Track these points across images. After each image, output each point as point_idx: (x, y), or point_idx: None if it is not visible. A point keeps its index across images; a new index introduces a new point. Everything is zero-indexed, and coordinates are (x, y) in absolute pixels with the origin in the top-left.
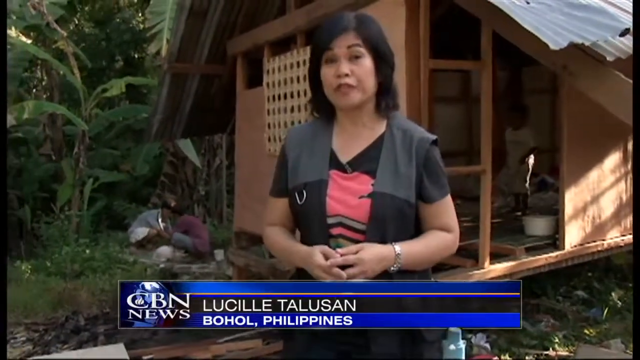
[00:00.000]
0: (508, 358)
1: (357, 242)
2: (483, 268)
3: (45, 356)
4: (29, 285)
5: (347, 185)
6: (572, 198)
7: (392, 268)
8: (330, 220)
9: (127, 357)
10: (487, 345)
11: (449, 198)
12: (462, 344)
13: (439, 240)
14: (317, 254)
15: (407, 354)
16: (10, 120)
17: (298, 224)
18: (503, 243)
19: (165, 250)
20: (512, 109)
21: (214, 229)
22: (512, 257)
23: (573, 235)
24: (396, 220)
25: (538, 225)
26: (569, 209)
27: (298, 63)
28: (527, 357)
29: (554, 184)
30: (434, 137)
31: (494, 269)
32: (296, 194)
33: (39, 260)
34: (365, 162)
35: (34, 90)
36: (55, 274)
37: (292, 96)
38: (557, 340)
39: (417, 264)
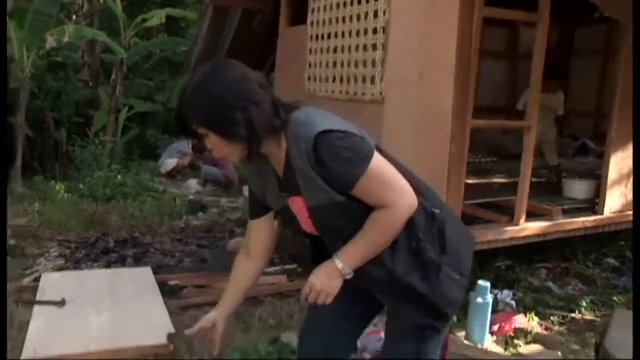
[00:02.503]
0: (533, 317)
1: None
2: (517, 225)
3: (76, 271)
4: (62, 205)
5: (297, 210)
6: (618, 163)
7: (346, 274)
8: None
9: (154, 280)
10: (513, 303)
11: (367, 174)
12: (489, 298)
13: (374, 223)
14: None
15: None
16: (51, 42)
17: None
18: (540, 203)
19: (194, 182)
20: (552, 71)
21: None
22: (548, 217)
23: (614, 201)
24: (339, 220)
25: (577, 188)
26: (613, 173)
27: (345, 3)
28: (552, 318)
29: (595, 149)
30: (318, 130)
31: (529, 227)
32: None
33: (73, 182)
34: (290, 183)
35: (74, 16)
36: (87, 196)
37: (336, 36)
38: (584, 304)
39: (365, 257)
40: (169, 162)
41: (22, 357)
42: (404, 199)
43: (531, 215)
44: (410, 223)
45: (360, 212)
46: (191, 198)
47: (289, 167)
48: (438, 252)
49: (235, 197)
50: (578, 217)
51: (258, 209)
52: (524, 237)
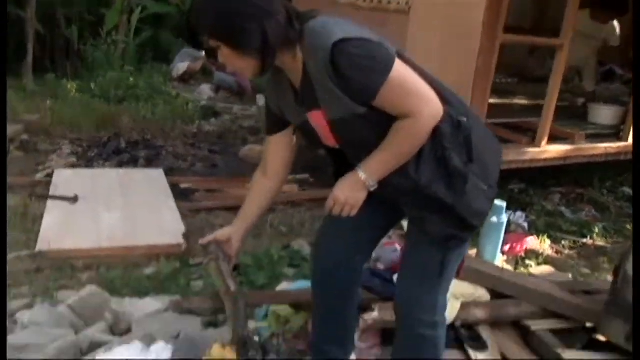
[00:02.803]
0: (545, 239)
1: None
2: (539, 147)
3: (89, 169)
4: (74, 103)
5: (317, 125)
6: None
7: (370, 186)
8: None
9: (166, 182)
10: (525, 225)
11: (389, 82)
12: (504, 218)
13: (398, 133)
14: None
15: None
16: None
17: None
18: (564, 127)
19: (207, 88)
20: (608, 2)
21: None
22: (571, 141)
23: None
24: (362, 132)
25: (603, 114)
26: None
27: None
28: (563, 242)
29: (622, 75)
30: (335, 39)
31: (550, 150)
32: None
33: (84, 82)
34: (309, 97)
35: None
36: (99, 96)
37: None
38: (596, 230)
39: (389, 168)
40: (181, 66)
41: (36, 249)
42: (429, 107)
43: (554, 139)
44: (435, 132)
45: (383, 123)
46: (204, 104)
47: (306, 79)
48: (464, 161)
49: (248, 105)
50: (601, 142)
51: (275, 124)
52: (544, 160)
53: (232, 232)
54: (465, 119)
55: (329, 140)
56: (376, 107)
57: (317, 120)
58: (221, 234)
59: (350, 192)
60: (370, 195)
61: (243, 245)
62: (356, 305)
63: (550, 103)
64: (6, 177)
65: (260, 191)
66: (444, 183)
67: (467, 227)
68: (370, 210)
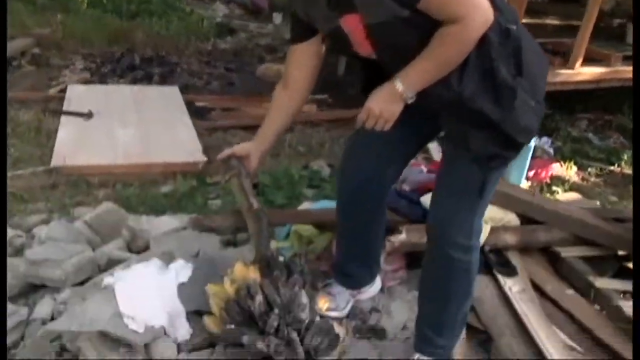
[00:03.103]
0: (571, 166)
1: None
2: (572, 69)
3: (102, 85)
4: (85, 18)
5: (350, 30)
6: None
7: (408, 98)
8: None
9: (181, 99)
10: (551, 150)
11: None
12: (532, 142)
13: (443, 39)
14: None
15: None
16: None
17: None
18: (600, 48)
19: (221, 5)
20: None
21: None
22: (606, 63)
23: None
24: (402, 38)
25: None
26: None
27: None
28: (589, 169)
29: None
30: None
31: (584, 72)
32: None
33: None
34: (341, 1)
35: None
36: (111, 11)
37: None
38: (624, 158)
39: (430, 78)
40: None
41: (52, 165)
42: (479, 12)
43: (587, 61)
44: (482, 40)
45: (427, 28)
46: (219, 21)
47: None
48: (513, 74)
49: (264, 23)
50: None
51: (302, 31)
52: (576, 82)
53: (251, 148)
54: (514, 27)
55: (362, 47)
56: (420, 10)
57: (352, 25)
58: (240, 148)
59: (385, 104)
60: (406, 108)
61: (262, 164)
62: (383, 226)
63: (588, 23)
64: (6, 178)
65: (281, 107)
66: (491, 97)
67: (512, 146)
68: (403, 125)
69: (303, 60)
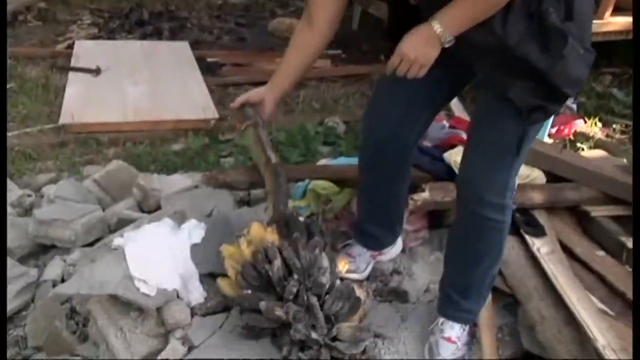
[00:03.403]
0: (596, 122)
1: None
2: (601, 19)
3: (111, 41)
4: None
5: None
6: None
7: (446, 42)
8: None
9: (192, 55)
10: (574, 107)
11: None
12: None
13: None
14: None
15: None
16: None
17: None
18: None
19: None
20: None
21: None
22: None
23: None
24: None
25: None
26: None
27: None
28: (614, 125)
29: None
30: None
31: (613, 22)
32: None
33: None
34: None
35: None
36: None
37: None
38: None
39: (471, 21)
40: None
41: (60, 122)
42: None
43: (617, 10)
44: None
45: None
46: None
47: None
48: (562, 18)
49: None
50: None
51: None
52: (604, 34)
53: (266, 93)
54: None
55: None
56: None
57: None
58: (254, 94)
59: (421, 48)
60: (440, 53)
61: (277, 109)
62: (408, 184)
63: None
64: (6, 177)
65: (303, 46)
66: (537, 44)
67: (558, 98)
68: (434, 74)
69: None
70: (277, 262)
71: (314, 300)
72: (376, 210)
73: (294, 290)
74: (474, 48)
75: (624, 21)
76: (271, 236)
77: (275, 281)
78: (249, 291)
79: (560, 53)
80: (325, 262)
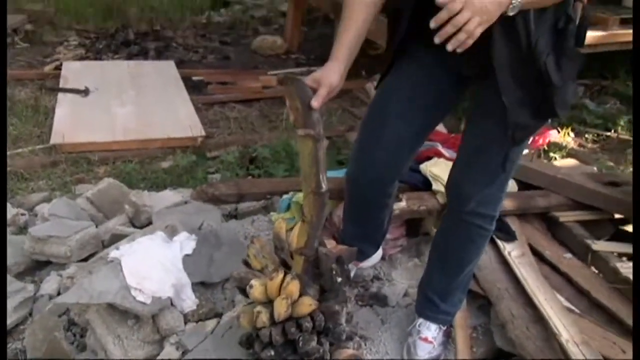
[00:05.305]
0: (569, 132)
1: None
2: None
3: (98, 61)
4: None
5: None
6: None
7: (515, 7)
8: None
9: (178, 74)
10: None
11: None
12: None
13: None
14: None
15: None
16: None
17: None
18: (596, 11)
19: None
20: None
21: None
22: (603, 27)
23: None
24: None
25: None
26: None
27: None
28: (587, 135)
29: None
30: None
31: None
32: None
33: None
34: None
35: None
36: None
37: None
38: (621, 123)
39: (538, 3)
40: None
41: (51, 142)
42: None
43: None
44: None
45: None
46: None
47: None
48: (577, 43)
49: None
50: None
51: None
52: None
53: (328, 69)
54: None
55: None
56: None
57: None
58: (310, 79)
59: (487, 3)
60: (439, 73)
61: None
62: (393, 200)
63: None
64: (6, 177)
65: (362, 6)
66: (555, 60)
67: (547, 117)
68: (434, 90)
69: None
70: (307, 328)
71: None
72: (361, 230)
73: (313, 350)
74: (502, 54)
75: (593, 35)
76: (296, 289)
77: (300, 350)
78: (272, 352)
79: (573, 74)
80: (344, 318)
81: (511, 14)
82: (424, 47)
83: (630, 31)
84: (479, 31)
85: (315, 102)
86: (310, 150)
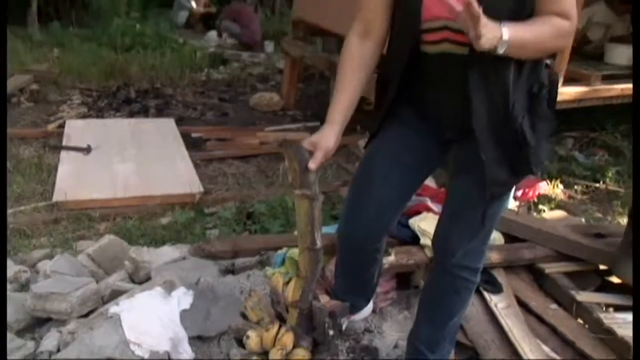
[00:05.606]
0: (558, 184)
1: (464, 46)
2: None
3: (100, 119)
4: (81, 53)
5: None
6: None
7: (502, 43)
8: (431, 25)
9: (177, 131)
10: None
11: None
12: None
13: (551, 26)
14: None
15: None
16: None
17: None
18: (579, 67)
19: (214, 35)
20: None
21: (266, 19)
22: (586, 83)
23: None
24: (508, 13)
25: (620, 53)
26: None
27: None
28: (576, 187)
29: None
30: None
31: (565, 92)
32: None
33: (90, 30)
34: None
35: None
36: (106, 45)
37: None
38: (609, 175)
39: (526, 43)
40: (181, 15)
41: (53, 200)
42: (575, 21)
43: (569, 81)
44: (535, 64)
45: (526, 13)
46: (212, 51)
47: None
48: (550, 105)
49: (256, 52)
50: (617, 84)
51: None
52: (558, 102)
53: (326, 130)
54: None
55: (439, 8)
56: None
57: None
58: (307, 143)
59: (489, 27)
60: (422, 140)
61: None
62: (382, 255)
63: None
64: (6, 180)
65: (362, 58)
66: (530, 122)
67: (523, 175)
68: (419, 155)
69: (378, 3)
70: None
71: None
72: (352, 285)
73: None
74: (482, 118)
75: (575, 91)
76: (289, 341)
77: None
78: None
79: (546, 134)
80: None
81: (500, 51)
82: (410, 112)
83: (613, 87)
84: (475, 42)
85: (312, 165)
86: (306, 209)
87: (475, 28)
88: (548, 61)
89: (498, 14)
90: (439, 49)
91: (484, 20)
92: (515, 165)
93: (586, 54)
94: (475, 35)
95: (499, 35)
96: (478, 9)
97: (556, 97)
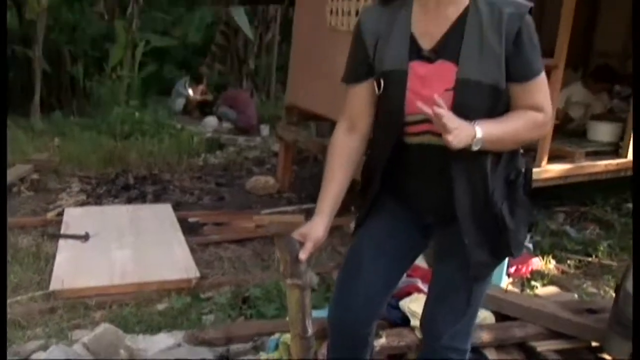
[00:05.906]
0: (550, 260)
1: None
2: (539, 167)
3: (98, 207)
4: (81, 141)
5: (430, 77)
6: None
7: (476, 142)
8: (413, 118)
9: (174, 217)
10: (530, 246)
11: (542, 76)
12: None
13: (526, 120)
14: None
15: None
16: None
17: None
18: (563, 145)
19: (211, 120)
20: (601, 74)
21: (261, 103)
22: (570, 160)
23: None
24: (483, 109)
25: (601, 130)
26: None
27: None
28: (568, 261)
29: (620, 92)
30: (528, 5)
31: (551, 170)
32: (374, 84)
33: (90, 119)
34: (449, 47)
35: None
36: (106, 133)
37: None
38: (601, 248)
39: (499, 140)
40: (178, 103)
41: (50, 288)
42: (550, 115)
43: (553, 158)
44: (512, 154)
45: (502, 107)
46: (209, 136)
47: (459, 27)
48: (526, 191)
49: (252, 136)
50: (601, 160)
51: (361, 71)
52: (545, 180)
53: (315, 222)
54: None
55: (423, 99)
56: (511, 90)
57: (444, 73)
58: (297, 234)
59: (462, 127)
60: (405, 227)
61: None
62: (373, 338)
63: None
64: (6, 187)
65: (348, 152)
66: (509, 207)
67: (504, 257)
68: (402, 243)
69: (363, 101)
70: None
71: None
72: None
73: None
74: (464, 201)
75: (560, 168)
76: None
77: None
78: None
79: (524, 219)
80: None
81: (475, 148)
82: (394, 201)
83: (597, 163)
84: (450, 143)
85: (302, 255)
86: (297, 298)
87: (444, 129)
88: (521, 150)
89: (475, 111)
90: (420, 140)
91: (457, 122)
92: (496, 248)
93: (569, 132)
94: (446, 135)
95: (472, 134)
96: (442, 111)
97: (531, 183)
